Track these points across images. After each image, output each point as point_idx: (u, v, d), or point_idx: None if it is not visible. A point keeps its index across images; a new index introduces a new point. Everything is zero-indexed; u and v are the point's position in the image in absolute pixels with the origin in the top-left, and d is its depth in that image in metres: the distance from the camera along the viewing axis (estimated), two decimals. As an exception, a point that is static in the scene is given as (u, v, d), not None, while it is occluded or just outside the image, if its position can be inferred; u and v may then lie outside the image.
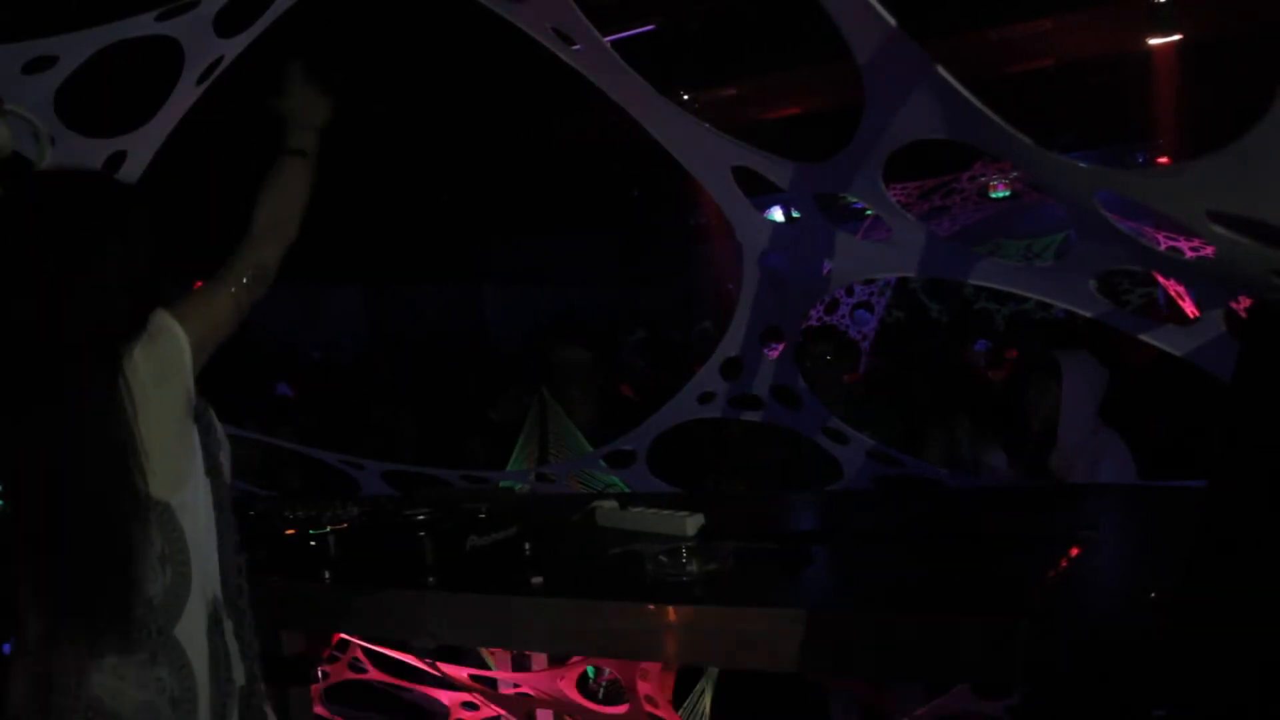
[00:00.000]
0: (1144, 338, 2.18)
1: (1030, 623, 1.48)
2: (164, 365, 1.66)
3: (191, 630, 1.68)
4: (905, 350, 6.76)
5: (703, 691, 3.12)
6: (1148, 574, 1.78)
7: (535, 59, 2.54)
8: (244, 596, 1.82)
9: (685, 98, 10.21)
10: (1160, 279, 7.83)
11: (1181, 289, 7.79)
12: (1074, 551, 1.85)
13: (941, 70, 1.66)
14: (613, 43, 2.26)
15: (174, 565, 1.67)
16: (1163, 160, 10.55)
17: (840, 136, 2.06)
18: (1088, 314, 2.18)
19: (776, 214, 4.38)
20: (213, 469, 1.76)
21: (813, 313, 9.46)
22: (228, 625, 1.75)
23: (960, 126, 1.80)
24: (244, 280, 1.82)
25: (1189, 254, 6.53)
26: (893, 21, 1.64)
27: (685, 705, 3.07)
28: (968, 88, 1.66)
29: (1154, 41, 9.16)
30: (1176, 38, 9.04)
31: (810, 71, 9.70)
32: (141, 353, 1.64)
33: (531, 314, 12.64)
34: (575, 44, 2.31)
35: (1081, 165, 1.64)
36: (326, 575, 2.18)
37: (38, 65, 2.50)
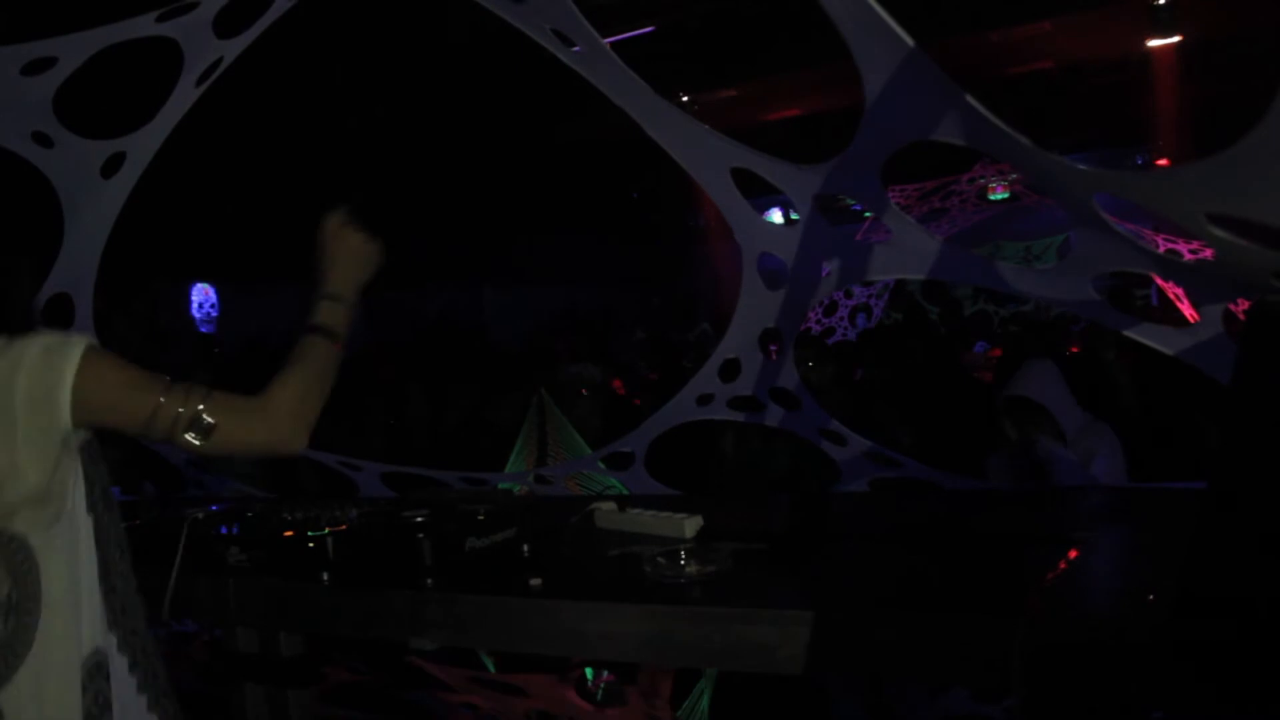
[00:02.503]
0: (1144, 339, 2.18)
1: (1028, 623, 1.48)
2: (43, 391, 1.46)
3: (27, 696, 1.45)
4: (905, 353, 6.75)
5: (701, 693, 3.12)
6: (1146, 576, 1.78)
7: (536, 61, 2.54)
8: (144, 637, 1.63)
9: (684, 99, 10.22)
10: (1159, 281, 7.83)
11: (1180, 291, 7.79)
12: (1072, 553, 1.85)
13: (941, 72, 1.66)
14: (612, 44, 2.26)
15: (17, 616, 1.46)
16: (1162, 162, 10.56)
17: (839, 138, 2.06)
18: (1088, 316, 2.19)
19: (776, 215, 4.39)
20: (96, 504, 1.56)
21: (811, 315, 9.47)
22: (118, 664, 1.56)
23: (960, 128, 1.80)
24: (185, 416, 1.52)
25: (1188, 256, 6.54)
26: (893, 23, 1.64)
27: (684, 707, 3.07)
28: (967, 89, 1.66)
29: (1153, 43, 9.16)
30: (1176, 39, 9.05)
31: (809, 73, 9.71)
32: (23, 375, 1.46)
33: (532, 315, 12.65)
34: (575, 46, 2.31)
35: (1080, 167, 1.64)
36: (325, 577, 2.18)
37: (37, 66, 2.50)
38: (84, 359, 1.48)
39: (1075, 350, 6.82)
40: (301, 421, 1.59)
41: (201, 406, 1.52)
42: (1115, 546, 2.07)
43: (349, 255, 1.78)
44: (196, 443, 1.53)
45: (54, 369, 1.46)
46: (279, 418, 1.58)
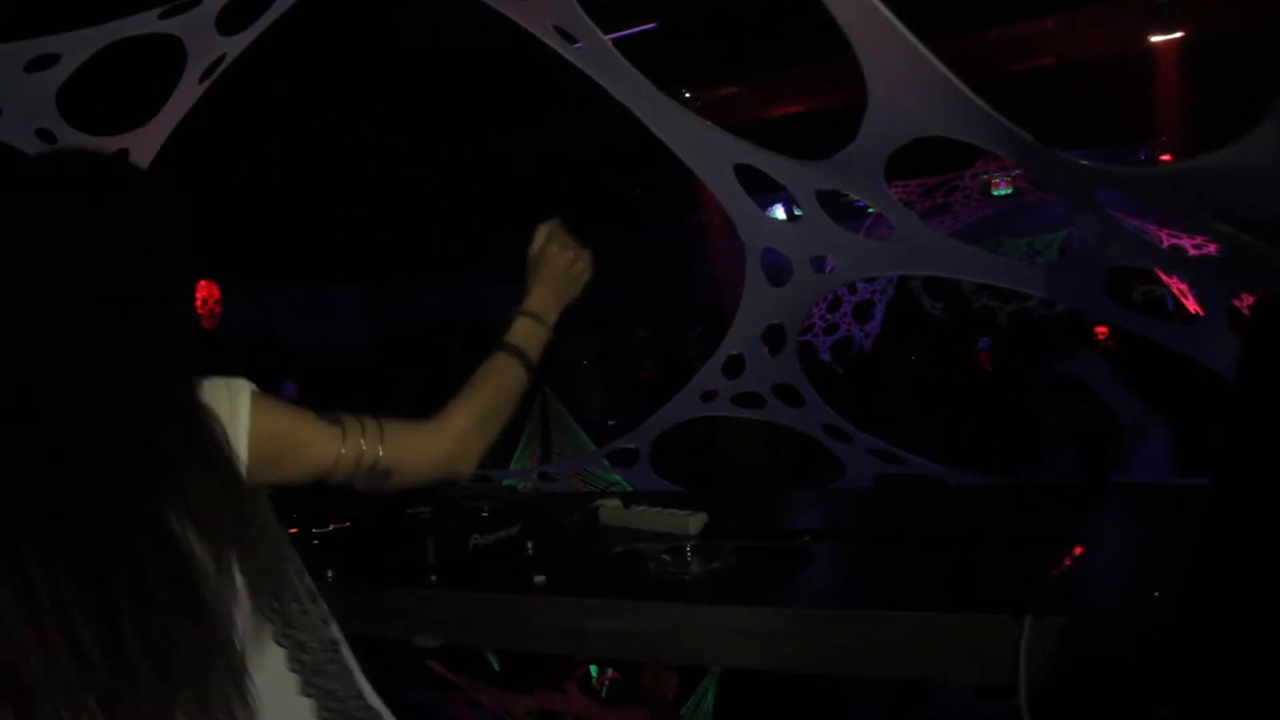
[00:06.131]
0: (1148, 335, 2.18)
1: (1033, 621, 1.48)
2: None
3: None
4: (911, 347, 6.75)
5: (706, 690, 3.12)
6: (1151, 573, 1.78)
7: (539, 58, 2.54)
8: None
9: (687, 96, 10.20)
10: (1163, 276, 7.82)
11: (1184, 287, 7.78)
12: (1077, 550, 1.85)
13: (944, 69, 1.66)
14: (614, 41, 2.26)
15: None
16: (1165, 158, 10.54)
17: (841, 135, 2.06)
18: (1092, 312, 2.19)
19: (778, 212, 4.39)
20: None
21: (815, 310, 9.46)
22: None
23: (963, 124, 1.80)
24: (365, 464, 1.38)
25: (1191, 251, 6.52)
26: (895, 20, 1.64)
27: (688, 705, 3.07)
28: (969, 86, 1.66)
29: (1156, 39, 9.14)
30: (1179, 35, 9.03)
31: (811, 70, 9.69)
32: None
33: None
34: (577, 42, 2.31)
35: (1084, 163, 1.65)
36: (329, 574, 2.18)
37: (40, 63, 2.50)
38: (254, 406, 1.29)
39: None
40: (476, 446, 1.48)
41: (381, 452, 1.38)
42: (1120, 543, 2.07)
43: (558, 272, 1.64)
44: (375, 488, 1.42)
45: (230, 418, 1.28)
46: (455, 441, 1.45)
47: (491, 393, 1.51)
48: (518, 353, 1.55)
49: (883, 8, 1.62)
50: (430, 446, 1.44)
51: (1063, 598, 1.63)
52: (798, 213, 2.52)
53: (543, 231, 1.66)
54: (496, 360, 1.54)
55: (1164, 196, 1.72)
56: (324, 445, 1.36)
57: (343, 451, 1.36)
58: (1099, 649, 1.47)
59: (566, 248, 1.65)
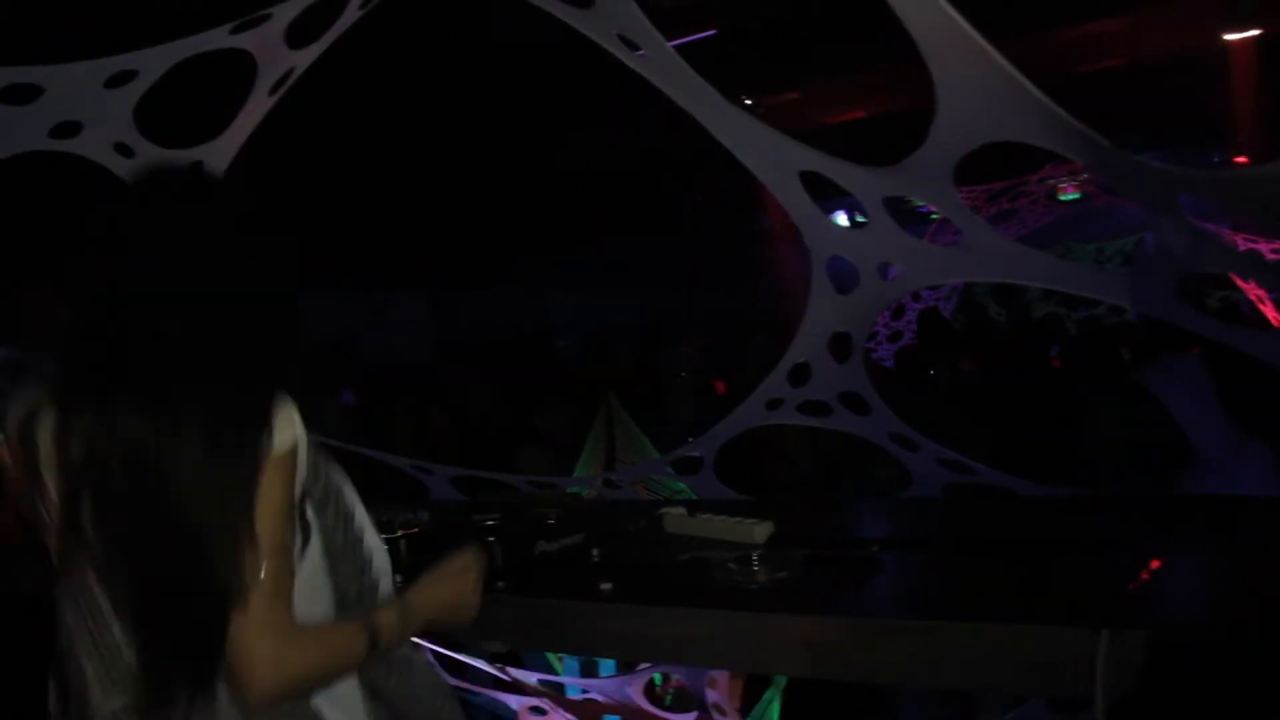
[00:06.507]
0: (1227, 341, 2.13)
1: (1110, 634, 1.45)
2: None
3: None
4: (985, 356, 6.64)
5: (771, 700, 3.10)
6: (1233, 588, 1.73)
7: (602, 66, 2.55)
8: None
9: (747, 103, 10.18)
10: (1239, 282, 7.62)
11: (1263, 292, 7.57)
12: (1154, 563, 1.80)
13: (1016, 72, 1.63)
14: (674, 48, 2.26)
15: None
16: (1240, 160, 10.27)
17: (903, 140, 2.04)
18: (1168, 318, 2.14)
19: (840, 218, 4.35)
20: None
21: (880, 318, 9.36)
22: None
23: (1037, 129, 1.77)
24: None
25: (1270, 256, 6.35)
26: (965, 23, 1.62)
27: (753, 713, 3.05)
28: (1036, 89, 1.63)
29: (1230, 37, 8.93)
30: (1255, 33, 8.81)
31: (871, 75, 9.63)
32: None
33: (599, 321, 12.65)
34: (640, 50, 2.32)
35: (1163, 167, 1.61)
36: (398, 579, 2.20)
37: (119, 80, 2.57)
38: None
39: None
40: (287, 685, 1.40)
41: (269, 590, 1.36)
42: (1198, 556, 2.02)
43: (450, 597, 1.73)
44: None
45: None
46: (277, 666, 1.37)
47: (333, 653, 1.48)
48: (373, 635, 1.51)
49: (952, 10, 1.60)
50: (268, 642, 1.36)
51: (1141, 610, 1.60)
52: (860, 219, 2.50)
53: (469, 559, 1.76)
54: (354, 629, 1.51)
55: (1243, 200, 1.67)
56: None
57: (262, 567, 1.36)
58: (1180, 665, 1.43)
59: (475, 591, 1.74)
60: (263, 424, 1.37)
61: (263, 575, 1.35)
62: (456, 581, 1.73)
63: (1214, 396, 2.86)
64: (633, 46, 2.31)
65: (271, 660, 1.35)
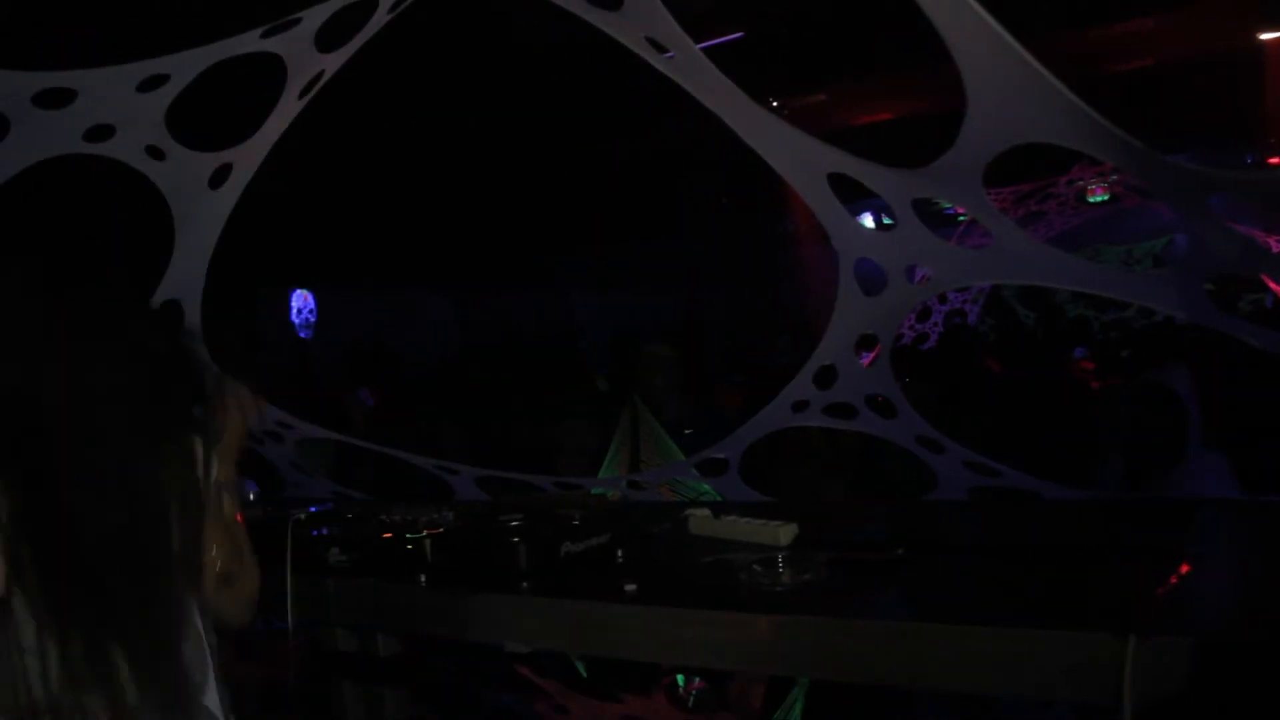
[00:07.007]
0: (1259, 344, 2.10)
1: (1139, 639, 1.44)
2: None
3: None
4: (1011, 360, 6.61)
5: (795, 702, 3.09)
6: (1266, 593, 1.71)
7: (629, 68, 2.55)
8: None
9: (774, 104, 10.16)
10: (1270, 284, 7.53)
11: (1293, 295, 7.49)
12: (1183, 568, 1.79)
13: (1047, 73, 1.62)
14: (701, 51, 2.26)
15: None
16: (1274, 161, 10.16)
17: (930, 142, 2.03)
18: (1199, 320, 2.12)
19: (867, 220, 4.34)
20: None
21: (905, 320, 9.33)
22: None
23: (1069, 130, 1.76)
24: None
25: (1302, 258, 6.26)
26: (995, 23, 1.61)
27: (776, 716, 3.04)
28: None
29: (1265, 36, 8.84)
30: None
31: (899, 77, 9.60)
32: None
33: (624, 321, 12.68)
34: (668, 52, 2.32)
35: (1197, 168, 1.59)
36: (422, 579, 2.21)
37: (151, 84, 2.59)
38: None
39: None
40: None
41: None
42: (1228, 561, 2.00)
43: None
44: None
45: None
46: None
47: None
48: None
49: (982, 10, 1.59)
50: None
51: (1170, 615, 1.58)
52: (887, 221, 2.49)
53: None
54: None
55: (1277, 201, 1.65)
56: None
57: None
58: (1211, 671, 1.42)
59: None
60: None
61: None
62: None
63: (1198, 405, 3.01)
64: (660, 49, 2.31)
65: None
